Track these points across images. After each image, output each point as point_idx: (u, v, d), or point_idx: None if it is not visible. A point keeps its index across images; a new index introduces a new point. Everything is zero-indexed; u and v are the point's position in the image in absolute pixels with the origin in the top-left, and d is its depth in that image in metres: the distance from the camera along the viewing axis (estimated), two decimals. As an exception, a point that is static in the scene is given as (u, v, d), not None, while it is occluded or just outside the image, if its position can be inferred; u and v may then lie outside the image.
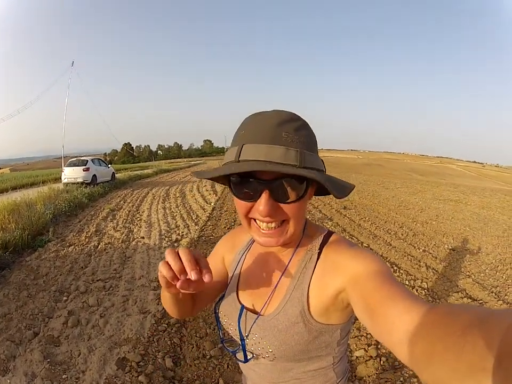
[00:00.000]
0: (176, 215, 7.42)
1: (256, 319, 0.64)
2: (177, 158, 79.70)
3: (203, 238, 5.42)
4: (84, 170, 12.70)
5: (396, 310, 0.43)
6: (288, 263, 0.64)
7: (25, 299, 3.48)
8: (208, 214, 7.18)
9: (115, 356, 2.45)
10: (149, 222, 6.78)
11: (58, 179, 15.39)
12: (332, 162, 50.49)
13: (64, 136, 19.95)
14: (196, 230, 5.92)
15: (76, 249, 5.05)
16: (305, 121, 0.57)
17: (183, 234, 5.66)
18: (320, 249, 0.62)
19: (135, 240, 5.44)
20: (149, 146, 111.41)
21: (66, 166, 13.31)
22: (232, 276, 0.74)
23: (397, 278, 0.54)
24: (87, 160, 13.33)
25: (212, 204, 8.40)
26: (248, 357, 0.67)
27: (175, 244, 5.18)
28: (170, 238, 5.48)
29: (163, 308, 3.12)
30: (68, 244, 5.34)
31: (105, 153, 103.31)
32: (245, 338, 0.66)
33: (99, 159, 15.13)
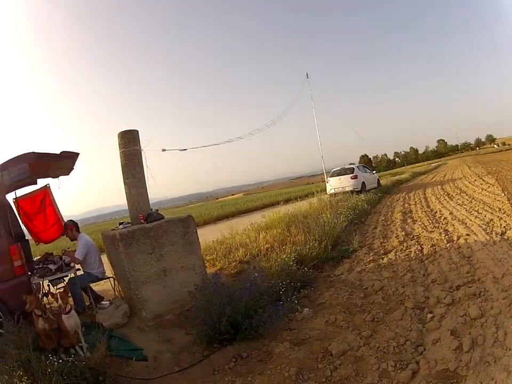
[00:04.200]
0: (478, 209, 6.66)
1: None
2: (416, 163, 77.85)
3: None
4: (352, 178, 12.06)
5: None
6: None
7: (372, 325, 2.87)
8: (509, 204, 6.30)
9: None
10: (457, 219, 6.21)
11: (311, 194, 11.84)
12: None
13: (322, 152, 18.02)
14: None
15: (398, 256, 4.54)
16: None
17: (504, 226, 4.87)
18: None
19: (461, 238, 4.79)
20: (386, 155, 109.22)
21: (330, 177, 13.06)
22: None
23: None
24: (353, 168, 12.65)
25: (502, 194, 7.45)
26: None
27: (504, 236, 4.41)
28: (496, 231, 4.69)
29: None
30: (382, 252, 4.95)
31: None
32: None
33: (364, 165, 14.51)
